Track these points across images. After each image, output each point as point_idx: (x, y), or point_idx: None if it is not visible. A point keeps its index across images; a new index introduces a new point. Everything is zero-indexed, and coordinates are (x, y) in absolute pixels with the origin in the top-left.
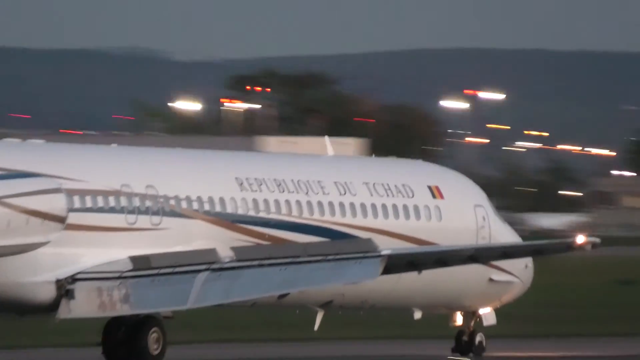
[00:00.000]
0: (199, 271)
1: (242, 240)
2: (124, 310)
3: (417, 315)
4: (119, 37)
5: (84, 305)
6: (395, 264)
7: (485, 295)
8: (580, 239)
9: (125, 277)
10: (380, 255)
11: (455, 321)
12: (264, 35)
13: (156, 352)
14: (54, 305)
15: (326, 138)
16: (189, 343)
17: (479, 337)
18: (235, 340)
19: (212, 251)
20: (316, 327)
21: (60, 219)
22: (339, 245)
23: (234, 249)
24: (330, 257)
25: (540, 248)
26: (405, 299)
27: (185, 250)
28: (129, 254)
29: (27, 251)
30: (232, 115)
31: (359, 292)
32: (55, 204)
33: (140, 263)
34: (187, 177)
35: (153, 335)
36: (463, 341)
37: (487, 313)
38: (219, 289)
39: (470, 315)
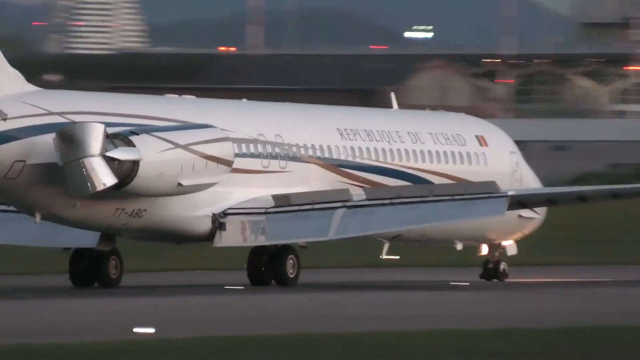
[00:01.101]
0: (335, 208)
1: (344, 182)
2: (268, 240)
3: (459, 246)
4: None
5: (234, 235)
6: (514, 202)
7: (512, 230)
8: None
9: (269, 213)
10: (505, 196)
11: (481, 252)
12: None
13: (292, 275)
14: (210, 236)
15: (392, 94)
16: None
17: (502, 265)
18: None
19: (345, 191)
20: (383, 255)
21: (229, 163)
22: (462, 187)
23: (364, 189)
24: (457, 197)
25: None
26: (452, 234)
27: (319, 190)
28: (265, 193)
29: (203, 190)
30: None
31: (420, 228)
32: (226, 150)
33: (282, 200)
34: (302, 128)
35: (290, 262)
36: (489, 269)
37: (510, 245)
38: (357, 223)
39: (496, 246)
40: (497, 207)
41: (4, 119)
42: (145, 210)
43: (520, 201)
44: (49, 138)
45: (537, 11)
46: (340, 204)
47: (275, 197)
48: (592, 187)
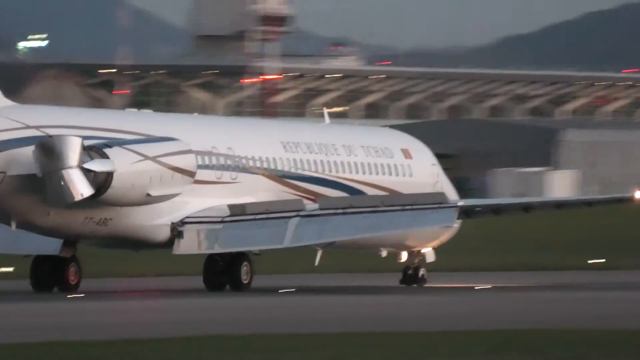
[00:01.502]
0: (290, 217)
1: (287, 192)
2: (224, 248)
3: (384, 253)
4: None
5: (191, 243)
6: (463, 212)
7: (430, 238)
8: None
9: (226, 222)
10: (456, 206)
11: (401, 259)
12: None
13: (246, 281)
14: (169, 243)
15: (324, 109)
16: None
17: (422, 271)
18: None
19: (299, 201)
20: (317, 263)
21: (192, 174)
22: (412, 197)
23: (317, 199)
24: (407, 207)
25: (592, 201)
26: (380, 242)
27: (266, 200)
28: (218, 203)
29: (168, 200)
30: None
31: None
32: (190, 162)
33: (237, 210)
34: (250, 141)
35: (244, 268)
36: (409, 275)
37: (428, 252)
38: (312, 231)
39: (415, 253)
40: (448, 216)
41: None
42: (111, 219)
43: (467, 211)
44: (28, 150)
45: (153, 22)
46: (294, 214)
47: (231, 207)
48: (538, 199)
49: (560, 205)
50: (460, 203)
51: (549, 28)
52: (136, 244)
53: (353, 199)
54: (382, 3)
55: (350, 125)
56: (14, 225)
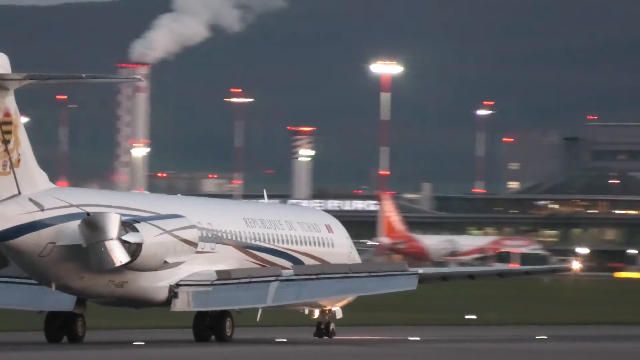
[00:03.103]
0: (270, 281)
1: (249, 260)
2: (214, 306)
3: (306, 311)
4: None
5: (186, 302)
6: (422, 278)
7: (340, 299)
8: (575, 264)
9: (215, 284)
10: (416, 273)
11: (314, 315)
12: None
13: (229, 333)
14: (167, 302)
15: (264, 191)
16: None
17: (332, 326)
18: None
19: (276, 268)
20: (258, 318)
21: (195, 245)
22: (376, 265)
23: (293, 267)
24: (373, 274)
25: (530, 271)
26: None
27: (252, 267)
28: (203, 269)
29: (177, 266)
30: None
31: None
32: (194, 235)
33: (224, 275)
34: (223, 217)
35: (227, 323)
36: (321, 329)
37: (337, 310)
38: (290, 293)
39: (327, 311)
40: (410, 281)
41: (42, 210)
42: (126, 282)
43: (422, 278)
44: (72, 224)
45: None
46: (273, 278)
47: (218, 272)
48: (481, 268)
49: (501, 274)
50: (420, 271)
51: None
52: (140, 303)
53: (324, 267)
54: None
55: (289, 205)
56: (54, 286)
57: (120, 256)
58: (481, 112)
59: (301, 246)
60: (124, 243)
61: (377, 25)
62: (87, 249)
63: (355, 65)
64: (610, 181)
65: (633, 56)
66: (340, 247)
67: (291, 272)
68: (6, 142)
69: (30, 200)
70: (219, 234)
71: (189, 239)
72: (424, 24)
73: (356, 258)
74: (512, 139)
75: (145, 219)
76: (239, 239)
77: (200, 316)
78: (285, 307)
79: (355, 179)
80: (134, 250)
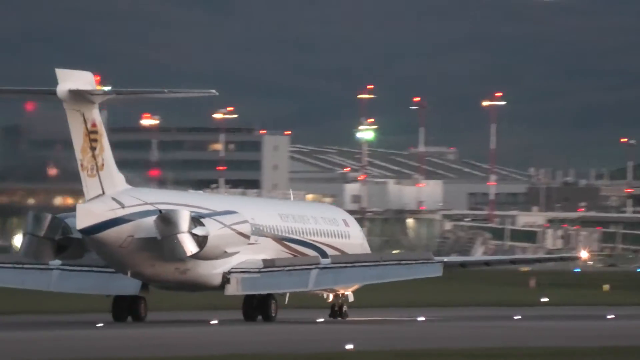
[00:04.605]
0: (311, 269)
1: (283, 251)
2: (261, 290)
3: (325, 295)
4: None
5: (237, 287)
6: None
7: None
8: (584, 254)
9: (262, 271)
10: (442, 261)
11: (329, 299)
12: None
13: (274, 314)
14: (220, 287)
15: (290, 190)
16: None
17: (345, 308)
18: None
19: (316, 257)
20: (286, 301)
21: (248, 237)
22: (404, 255)
23: (331, 256)
24: (403, 262)
25: (542, 260)
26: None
27: (286, 257)
28: (248, 258)
29: (232, 256)
30: None
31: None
32: (247, 228)
33: (269, 263)
34: (263, 213)
35: (272, 305)
36: (335, 311)
37: (349, 294)
38: (329, 278)
39: (340, 295)
40: (436, 269)
41: (123, 207)
42: (189, 269)
43: (445, 265)
44: (148, 220)
45: None
46: (313, 266)
47: (264, 260)
48: (496, 257)
49: (514, 261)
50: (445, 259)
51: None
52: (198, 288)
53: (358, 256)
54: None
55: (313, 202)
56: (129, 273)
57: (191, 247)
58: None
59: (324, 238)
60: (194, 236)
61: None
62: (162, 241)
63: None
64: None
65: None
66: (354, 239)
67: (329, 260)
68: (93, 149)
69: (113, 199)
70: (261, 228)
71: (243, 232)
72: None
73: (367, 248)
74: None
75: (209, 215)
76: (275, 232)
77: (249, 298)
78: (311, 291)
79: None
80: (200, 242)
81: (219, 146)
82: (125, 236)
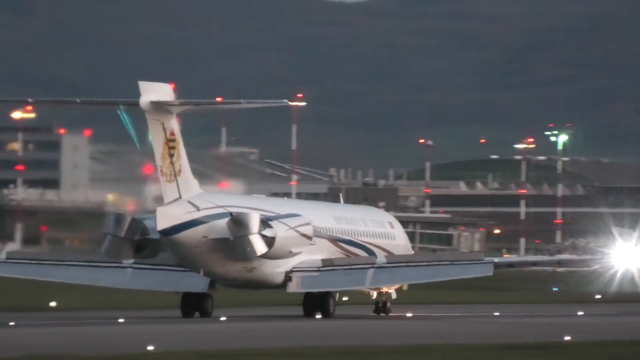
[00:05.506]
0: (367, 268)
1: (337, 251)
2: (320, 288)
3: (371, 292)
4: None
5: (298, 285)
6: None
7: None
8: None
9: (321, 270)
10: (492, 262)
11: (373, 296)
12: None
13: (332, 310)
14: (282, 285)
15: (340, 194)
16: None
17: (388, 304)
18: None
19: (371, 257)
20: (344, 298)
21: (310, 239)
22: (457, 255)
23: (386, 257)
24: (455, 262)
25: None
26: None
27: (341, 257)
28: (307, 258)
29: (296, 256)
30: None
31: None
32: (309, 230)
33: (327, 262)
34: (319, 216)
35: (331, 301)
36: (379, 307)
37: (392, 291)
38: (385, 277)
39: (384, 292)
40: (487, 269)
41: (198, 210)
42: (255, 268)
43: (495, 265)
44: (221, 222)
45: None
46: (369, 265)
47: (323, 260)
48: (537, 258)
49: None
50: (495, 260)
51: None
52: (262, 286)
53: (411, 256)
54: None
55: (361, 205)
56: (201, 272)
57: (261, 247)
58: None
59: (373, 239)
60: (263, 237)
61: None
62: (234, 242)
63: None
64: None
65: None
66: (399, 240)
67: (384, 260)
68: (171, 156)
69: (189, 202)
70: (318, 229)
71: (306, 234)
72: None
73: (410, 249)
74: None
75: (275, 218)
76: (331, 233)
77: (309, 296)
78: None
79: None
80: (269, 242)
81: (16, 146)
82: (200, 237)
